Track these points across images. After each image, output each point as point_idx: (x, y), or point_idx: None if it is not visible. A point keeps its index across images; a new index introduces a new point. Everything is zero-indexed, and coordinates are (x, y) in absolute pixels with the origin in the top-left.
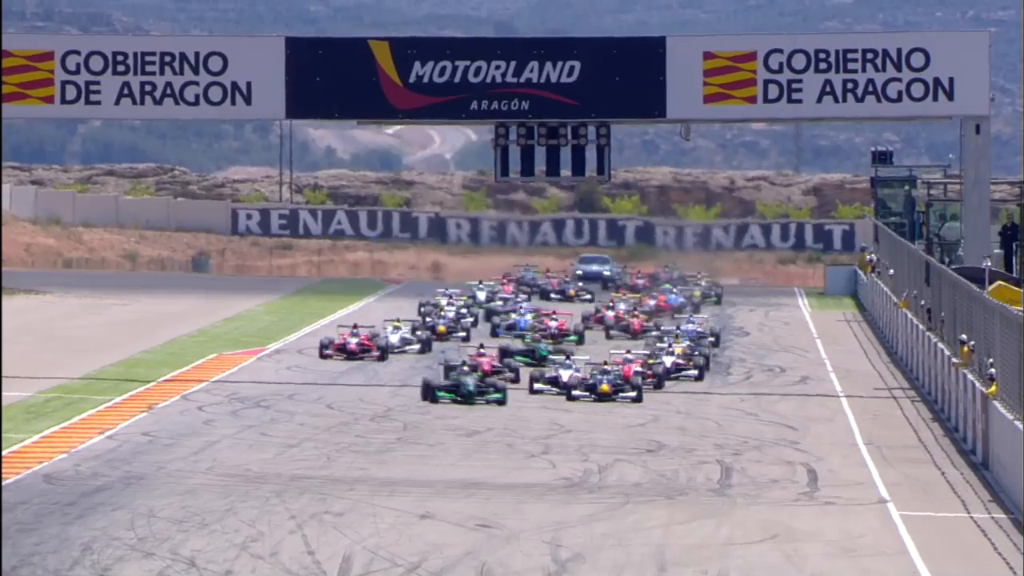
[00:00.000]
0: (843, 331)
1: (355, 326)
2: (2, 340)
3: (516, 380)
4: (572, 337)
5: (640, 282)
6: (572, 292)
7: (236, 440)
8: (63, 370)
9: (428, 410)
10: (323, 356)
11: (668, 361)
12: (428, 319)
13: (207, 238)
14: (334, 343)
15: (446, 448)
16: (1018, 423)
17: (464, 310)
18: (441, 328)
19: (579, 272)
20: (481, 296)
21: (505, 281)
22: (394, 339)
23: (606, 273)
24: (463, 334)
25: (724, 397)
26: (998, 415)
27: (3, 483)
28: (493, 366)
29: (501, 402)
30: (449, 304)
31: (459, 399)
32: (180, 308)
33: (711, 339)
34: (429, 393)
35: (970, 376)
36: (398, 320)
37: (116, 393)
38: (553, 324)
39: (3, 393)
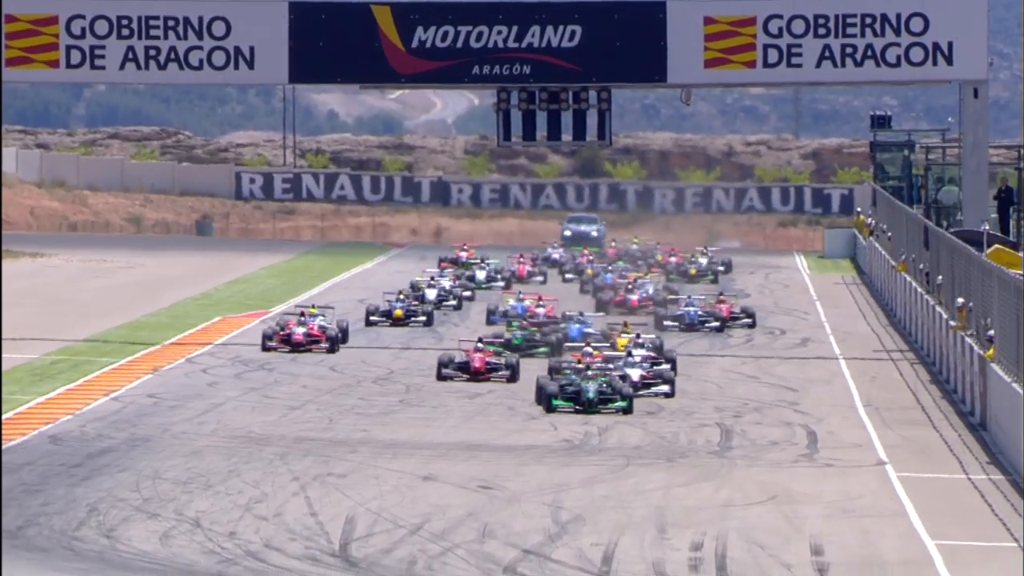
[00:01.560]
0: (842, 294)
1: (303, 313)
2: (2, 307)
3: (514, 379)
4: (562, 325)
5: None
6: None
7: (240, 402)
8: (68, 332)
9: (430, 373)
10: (266, 348)
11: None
12: (400, 300)
13: (211, 202)
14: (278, 334)
15: (448, 411)
16: (1016, 385)
17: (452, 288)
18: (398, 312)
19: (567, 233)
20: (480, 276)
21: (522, 259)
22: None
23: (594, 234)
24: (422, 319)
25: (724, 359)
26: (996, 377)
27: (10, 444)
28: (487, 363)
29: (627, 411)
30: (431, 285)
31: (580, 408)
32: (184, 271)
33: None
34: (544, 399)
35: (968, 339)
36: (313, 307)
37: (121, 356)
38: (541, 311)
39: (9, 356)
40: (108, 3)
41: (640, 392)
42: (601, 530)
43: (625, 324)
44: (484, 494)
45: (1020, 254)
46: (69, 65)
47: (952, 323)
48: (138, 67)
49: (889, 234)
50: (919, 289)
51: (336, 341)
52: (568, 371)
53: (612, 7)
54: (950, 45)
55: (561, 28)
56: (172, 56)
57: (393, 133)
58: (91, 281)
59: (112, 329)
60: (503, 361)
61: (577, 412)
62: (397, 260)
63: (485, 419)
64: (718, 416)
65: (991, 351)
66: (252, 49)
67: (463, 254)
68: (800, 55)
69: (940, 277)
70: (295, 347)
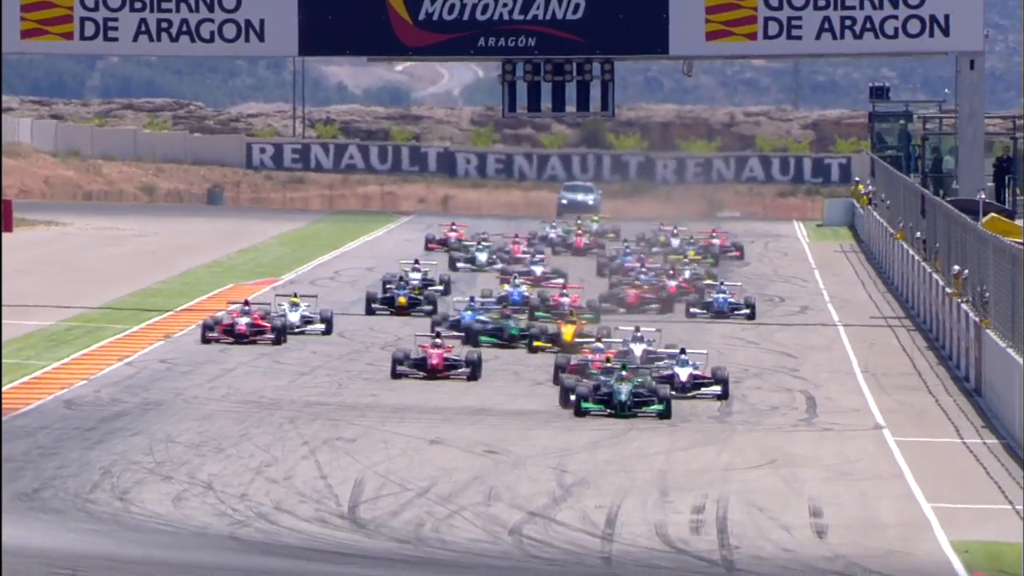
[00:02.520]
0: (840, 262)
1: (246, 303)
2: (2, 291)
3: (475, 376)
4: (588, 315)
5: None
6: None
7: (251, 368)
8: (83, 299)
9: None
10: (206, 340)
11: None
12: (388, 289)
13: (222, 171)
14: (220, 324)
15: (455, 376)
16: (1011, 351)
17: (434, 276)
18: (401, 300)
19: (564, 201)
20: (482, 258)
21: (517, 239)
22: (293, 317)
23: (590, 202)
24: (429, 307)
25: (725, 326)
26: (991, 343)
27: (26, 408)
28: (446, 359)
29: (664, 415)
30: (415, 269)
31: (612, 411)
32: (196, 239)
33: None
34: (574, 401)
35: (964, 305)
36: (295, 295)
37: (134, 322)
38: (565, 300)
39: (25, 322)
40: None
41: (689, 394)
42: (604, 493)
43: (571, 312)
44: (490, 458)
45: (1016, 222)
46: (83, 37)
47: (948, 290)
48: (150, 39)
49: (887, 203)
50: (916, 257)
51: (283, 332)
52: (594, 372)
53: None
54: (947, 17)
55: (565, 1)
56: (184, 28)
57: (401, 104)
58: (105, 249)
59: (125, 296)
60: (463, 358)
61: (609, 416)
62: (405, 229)
63: (491, 384)
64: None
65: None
66: (262, 22)
67: (452, 234)
68: (800, 27)
69: (937, 245)
70: (238, 338)
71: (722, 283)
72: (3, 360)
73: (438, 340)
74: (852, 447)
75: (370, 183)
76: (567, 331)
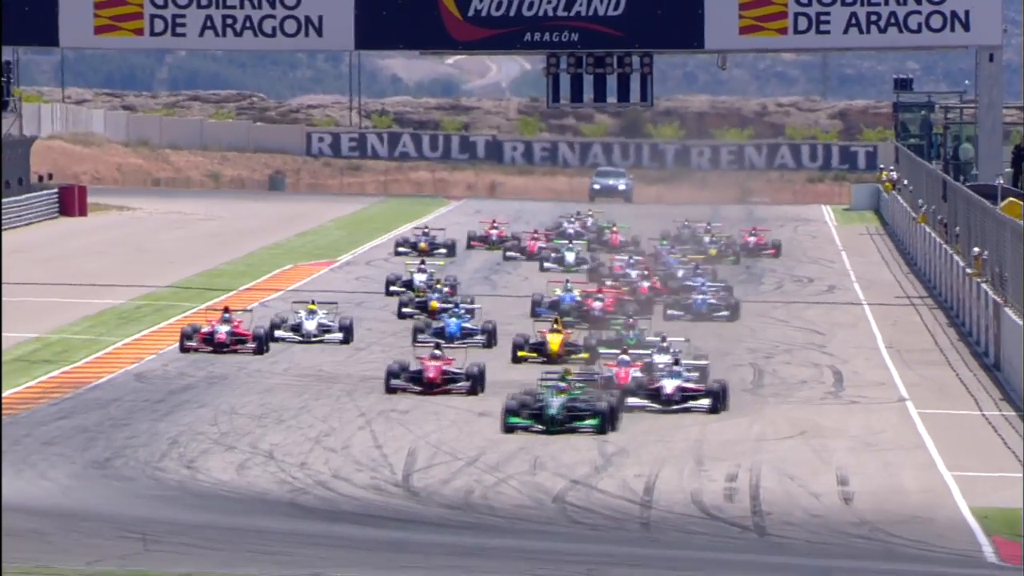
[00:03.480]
0: (866, 244)
1: (226, 309)
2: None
3: (474, 391)
4: (619, 320)
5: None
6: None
7: (309, 344)
8: (152, 279)
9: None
10: (185, 349)
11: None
12: (405, 292)
13: (283, 159)
14: (199, 332)
15: (503, 351)
16: None
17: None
18: (434, 304)
19: (596, 186)
20: (570, 257)
21: (536, 235)
22: (310, 325)
23: (621, 187)
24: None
25: (757, 305)
26: (1009, 320)
27: (99, 382)
28: (444, 372)
29: (599, 430)
30: (420, 270)
31: (543, 427)
32: (258, 223)
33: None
34: (502, 419)
35: (983, 285)
36: (313, 303)
37: (200, 300)
38: (598, 304)
39: (98, 300)
40: None
41: (675, 407)
42: (643, 462)
43: (556, 320)
44: (534, 429)
45: None
46: (153, 33)
47: (968, 271)
48: (216, 34)
49: (910, 188)
50: (938, 239)
51: (263, 341)
52: (547, 384)
53: None
54: (967, 13)
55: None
56: (247, 24)
57: (451, 96)
58: (173, 232)
59: (192, 276)
60: (463, 371)
61: (540, 433)
62: (455, 213)
63: (536, 360)
64: (751, 357)
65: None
66: (321, 18)
67: (494, 231)
68: (828, 22)
69: (957, 228)
70: (217, 347)
71: (703, 284)
72: (77, 335)
73: (437, 352)
74: (877, 419)
75: (422, 170)
76: (553, 340)
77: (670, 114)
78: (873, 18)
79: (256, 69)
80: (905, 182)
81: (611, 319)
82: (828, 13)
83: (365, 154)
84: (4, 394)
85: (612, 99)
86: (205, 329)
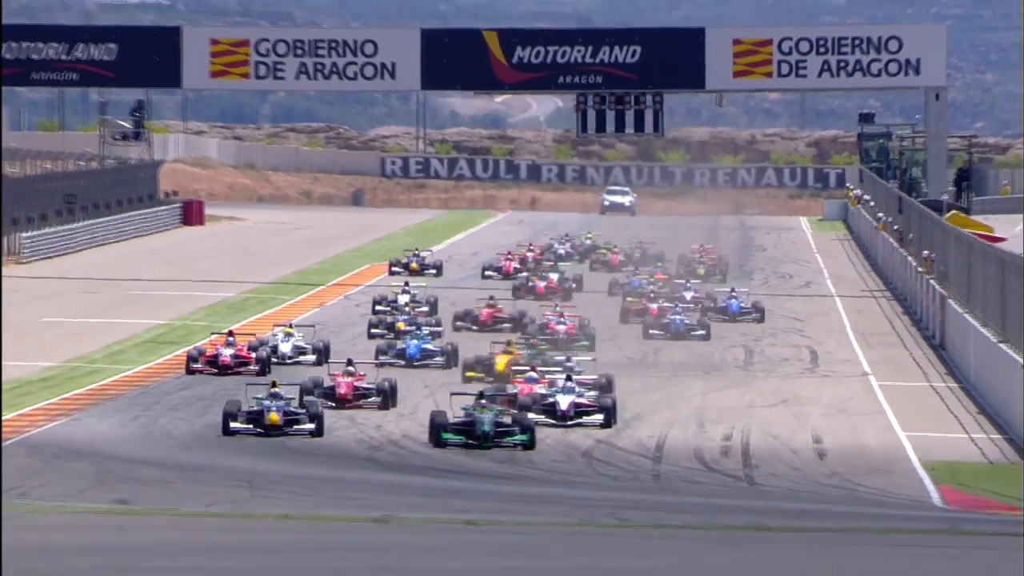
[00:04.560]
0: (836, 248)
1: (230, 333)
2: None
3: (386, 405)
4: (583, 341)
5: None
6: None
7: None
8: (257, 277)
9: (528, 305)
10: (190, 371)
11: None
12: (381, 312)
13: (362, 179)
14: (204, 355)
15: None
16: (967, 315)
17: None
18: (400, 325)
19: (606, 203)
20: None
21: (510, 255)
22: (285, 348)
23: (627, 203)
24: (429, 332)
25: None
26: (952, 310)
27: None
28: (355, 388)
29: (528, 446)
30: (404, 291)
31: (473, 442)
32: (343, 231)
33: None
34: (435, 434)
35: (931, 281)
36: (290, 326)
37: (295, 294)
38: (562, 328)
39: (212, 294)
40: (287, 30)
41: (570, 422)
42: (655, 425)
43: (509, 343)
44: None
45: (971, 218)
46: (257, 76)
47: (919, 269)
48: (309, 78)
49: (872, 203)
50: (894, 244)
51: (267, 363)
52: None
53: (664, 32)
54: (918, 60)
55: (625, 48)
56: (334, 69)
57: (498, 127)
58: (273, 238)
59: (289, 274)
60: (375, 385)
61: (469, 447)
62: (502, 223)
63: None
64: (743, 339)
65: (948, 289)
66: (393, 64)
67: (530, 254)
68: (806, 68)
69: (910, 235)
70: (222, 369)
71: (677, 305)
72: (196, 322)
73: (350, 368)
74: (845, 390)
75: (475, 188)
76: (500, 361)
77: (677, 142)
78: (842, 64)
79: (341, 106)
80: (867, 198)
81: (575, 341)
82: (805, 61)
83: (429, 175)
84: (138, 368)
85: (630, 130)
86: (210, 352)
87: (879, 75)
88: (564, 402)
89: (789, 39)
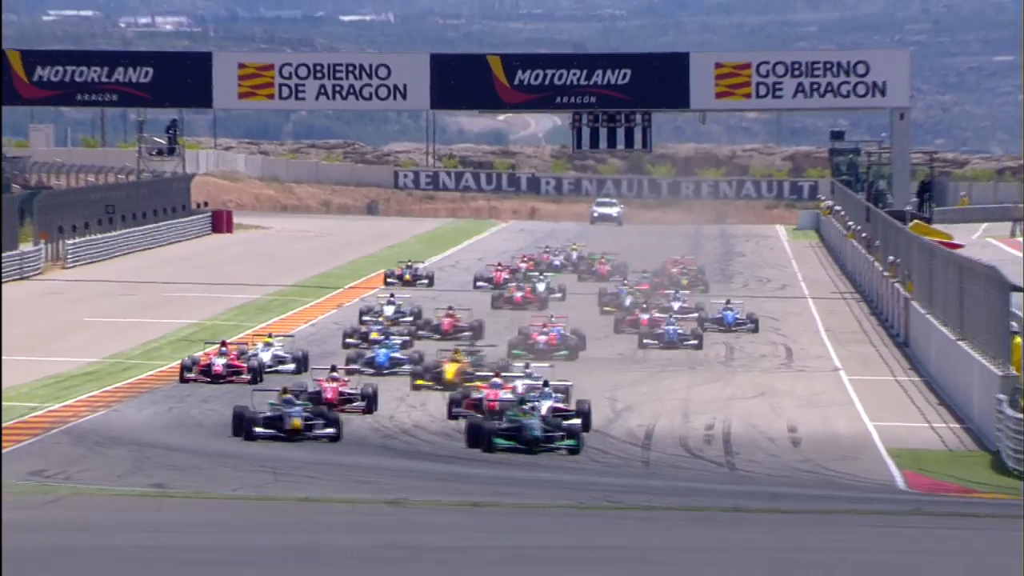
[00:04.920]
0: (809, 254)
1: (223, 343)
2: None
3: (370, 409)
4: (563, 352)
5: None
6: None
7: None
8: (280, 280)
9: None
10: (184, 380)
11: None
12: (364, 322)
13: (377, 191)
14: (198, 364)
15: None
16: (928, 316)
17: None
18: (374, 334)
19: (596, 213)
20: (540, 288)
21: (500, 267)
22: (265, 357)
23: (614, 214)
24: (399, 341)
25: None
26: (914, 310)
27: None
28: (340, 393)
29: (574, 450)
30: (390, 303)
31: (521, 447)
32: (359, 238)
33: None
34: (483, 438)
35: (896, 284)
36: (270, 335)
37: (316, 296)
38: (543, 338)
39: (239, 296)
40: (308, 55)
41: (539, 449)
42: (644, 416)
43: (456, 351)
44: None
45: (933, 227)
46: (281, 97)
47: (885, 274)
48: (328, 98)
49: (842, 213)
50: (862, 250)
51: (259, 372)
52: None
53: (652, 57)
54: (884, 83)
55: (617, 71)
56: (351, 91)
57: (501, 143)
58: (296, 245)
59: (310, 277)
60: (359, 391)
61: (517, 451)
62: (504, 232)
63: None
64: (724, 337)
65: (910, 286)
66: (405, 86)
67: (523, 265)
68: (782, 89)
69: (877, 242)
70: (215, 379)
71: (671, 316)
72: (225, 321)
73: (335, 374)
74: (818, 383)
75: (479, 199)
76: (449, 369)
77: (664, 157)
78: (815, 86)
79: (357, 124)
80: (838, 208)
81: (555, 351)
82: (781, 83)
83: (438, 187)
84: (173, 364)
85: (621, 146)
86: (203, 362)
87: (848, 96)
88: (537, 428)
89: (766, 63)
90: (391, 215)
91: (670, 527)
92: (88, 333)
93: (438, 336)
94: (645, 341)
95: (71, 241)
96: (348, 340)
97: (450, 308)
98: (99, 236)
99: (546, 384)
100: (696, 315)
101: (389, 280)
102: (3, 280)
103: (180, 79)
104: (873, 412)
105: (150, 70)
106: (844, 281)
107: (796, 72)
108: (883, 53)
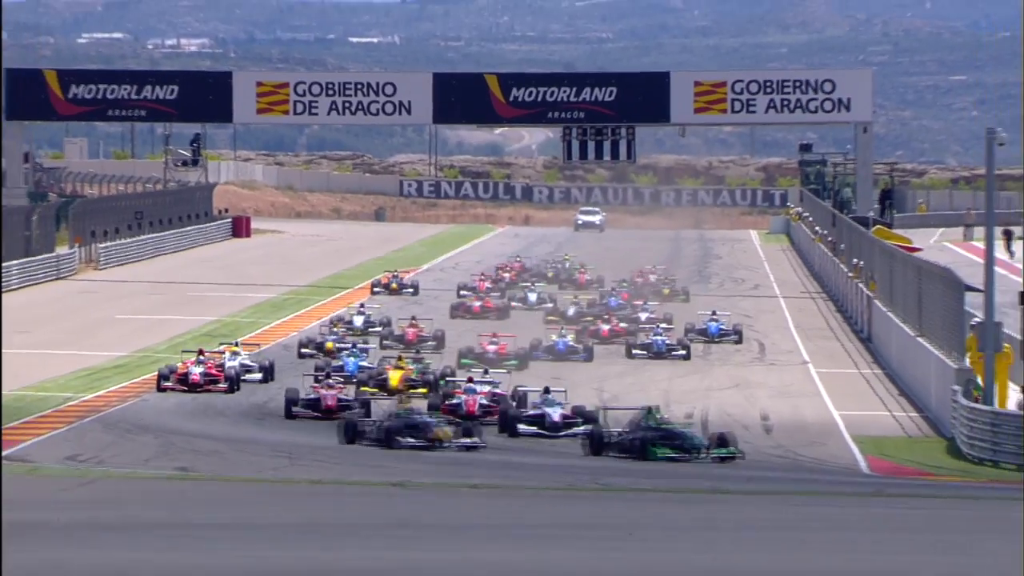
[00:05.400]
0: (780, 257)
1: (200, 352)
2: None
3: (368, 415)
4: (512, 362)
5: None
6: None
7: (401, 318)
8: (294, 280)
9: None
10: (161, 389)
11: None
12: (335, 332)
13: (384, 198)
14: (176, 372)
15: (524, 327)
16: (889, 313)
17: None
18: (329, 345)
19: (580, 221)
20: (532, 297)
21: (484, 276)
22: (232, 365)
23: (597, 222)
24: (353, 348)
25: (707, 298)
26: (877, 308)
27: (260, 351)
28: (339, 400)
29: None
30: (360, 313)
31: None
32: (367, 243)
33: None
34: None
35: (860, 285)
36: (236, 344)
37: (328, 295)
38: (492, 348)
39: (257, 295)
40: (320, 74)
41: (561, 433)
42: (628, 404)
43: (399, 358)
44: (553, 383)
45: (893, 231)
46: (295, 113)
47: (850, 275)
48: (338, 113)
49: (810, 219)
50: (829, 253)
51: (236, 381)
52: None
53: (635, 76)
54: (849, 99)
55: (604, 89)
56: (359, 106)
57: (497, 155)
58: (309, 248)
59: (322, 278)
60: (356, 398)
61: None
62: (500, 237)
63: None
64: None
65: (872, 285)
66: (410, 102)
67: (507, 275)
68: (755, 105)
69: (842, 246)
70: (192, 387)
71: (658, 326)
72: (244, 318)
73: (330, 381)
74: (788, 375)
75: (478, 207)
76: (393, 376)
77: (647, 168)
78: (785, 102)
79: (365, 137)
80: (806, 215)
81: (504, 361)
82: (755, 99)
83: (439, 195)
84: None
85: (607, 157)
86: (180, 370)
87: (816, 112)
88: (556, 414)
89: (741, 81)
90: (396, 221)
91: (654, 506)
92: (119, 329)
93: (402, 346)
94: (634, 352)
95: (103, 245)
96: (303, 350)
97: (413, 318)
98: (129, 240)
99: (547, 391)
100: (665, 325)
101: (376, 290)
102: (41, 281)
103: (203, 96)
104: (839, 402)
105: (175, 88)
106: (812, 281)
107: (768, 90)
108: (847, 72)
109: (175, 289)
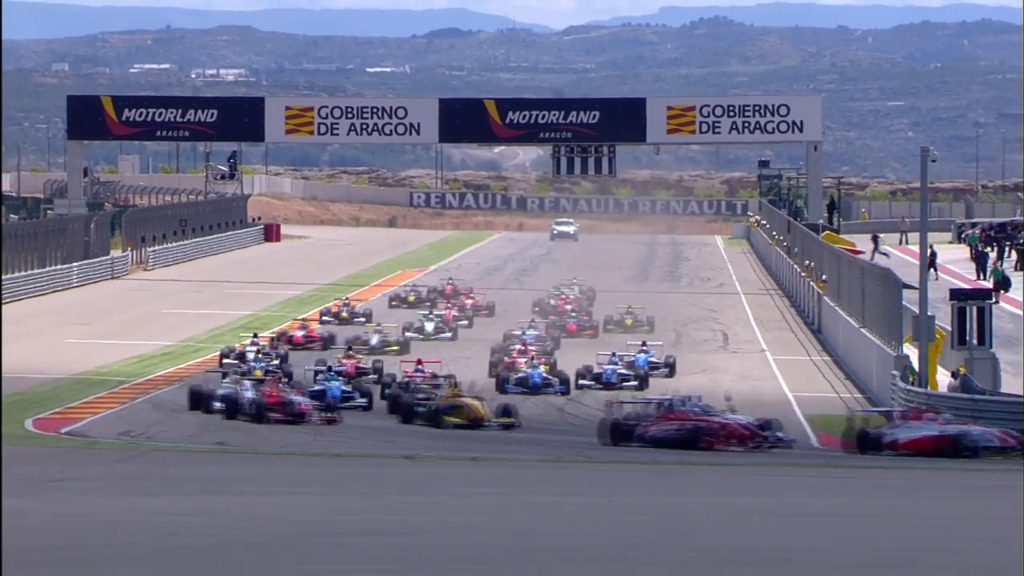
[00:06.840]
0: (742, 259)
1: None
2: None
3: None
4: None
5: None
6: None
7: (413, 316)
8: (319, 279)
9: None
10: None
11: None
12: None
13: (396, 208)
14: (234, 352)
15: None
16: (836, 307)
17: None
18: (258, 373)
19: (555, 231)
20: (429, 327)
21: (451, 281)
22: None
23: (571, 231)
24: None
25: (676, 295)
26: (826, 303)
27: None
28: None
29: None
30: (252, 343)
31: (527, 391)
32: (381, 247)
33: None
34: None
35: (811, 283)
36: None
37: (348, 292)
38: (420, 376)
39: (285, 292)
40: (341, 99)
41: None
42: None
43: (348, 348)
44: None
45: (841, 236)
46: (319, 133)
47: (802, 274)
48: (356, 134)
49: (768, 226)
50: (784, 255)
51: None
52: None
53: (616, 101)
54: (801, 122)
55: (588, 113)
56: (375, 128)
57: (496, 170)
58: (331, 252)
59: (342, 277)
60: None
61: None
62: (498, 242)
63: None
64: (674, 326)
65: (822, 285)
66: (419, 123)
67: (448, 286)
68: (720, 127)
69: (796, 249)
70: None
71: (614, 353)
72: (275, 313)
73: (351, 352)
74: (748, 362)
75: (478, 215)
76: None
77: (626, 181)
78: (746, 124)
79: (380, 154)
80: (764, 222)
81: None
82: (720, 122)
83: (444, 205)
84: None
85: (591, 172)
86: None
87: (773, 132)
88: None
89: (708, 106)
90: (407, 228)
91: (632, 477)
92: (165, 322)
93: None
94: (580, 383)
95: (152, 248)
96: (225, 360)
97: (350, 348)
98: (174, 244)
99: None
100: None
101: (325, 319)
102: (98, 280)
103: (239, 119)
104: (792, 384)
105: (215, 112)
106: (769, 280)
107: (731, 113)
108: (800, 98)
109: (215, 287)
